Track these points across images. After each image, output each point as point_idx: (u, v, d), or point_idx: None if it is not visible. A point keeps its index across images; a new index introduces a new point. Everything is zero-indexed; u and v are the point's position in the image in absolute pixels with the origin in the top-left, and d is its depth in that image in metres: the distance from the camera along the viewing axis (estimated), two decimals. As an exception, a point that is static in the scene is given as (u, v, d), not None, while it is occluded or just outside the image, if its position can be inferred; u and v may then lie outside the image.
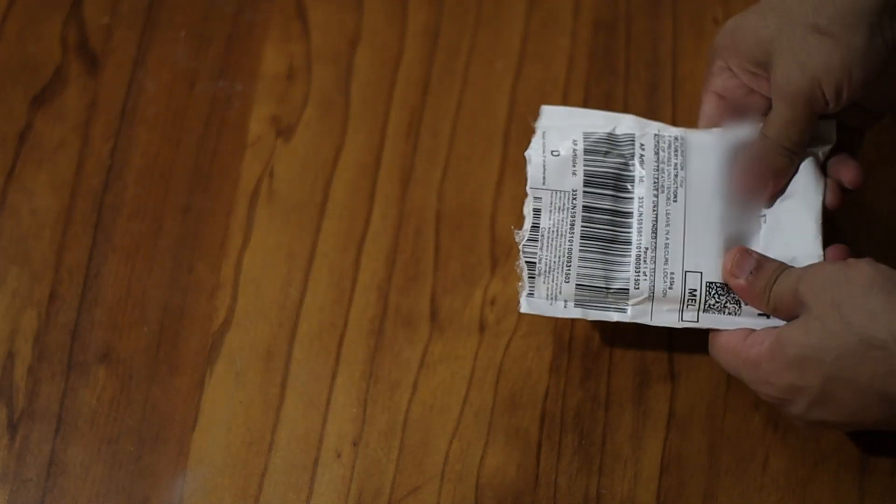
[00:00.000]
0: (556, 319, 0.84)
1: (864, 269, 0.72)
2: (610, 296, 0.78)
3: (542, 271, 0.78)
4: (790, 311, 0.75)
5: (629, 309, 0.78)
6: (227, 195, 0.88)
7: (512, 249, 0.86)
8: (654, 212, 0.78)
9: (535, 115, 0.81)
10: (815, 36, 0.71)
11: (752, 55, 0.75)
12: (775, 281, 0.75)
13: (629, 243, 0.78)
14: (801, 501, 0.81)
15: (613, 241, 0.78)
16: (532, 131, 0.80)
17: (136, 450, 0.82)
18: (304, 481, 0.82)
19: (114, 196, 0.88)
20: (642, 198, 0.79)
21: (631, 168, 0.79)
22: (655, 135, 0.80)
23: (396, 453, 0.82)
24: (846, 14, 0.71)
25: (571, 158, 0.79)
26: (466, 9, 0.92)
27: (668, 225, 0.78)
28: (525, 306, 0.78)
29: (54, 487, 0.82)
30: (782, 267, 0.76)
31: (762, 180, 0.78)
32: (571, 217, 0.78)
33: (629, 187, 0.79)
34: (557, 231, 0.78)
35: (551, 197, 0.79)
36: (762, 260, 0.76)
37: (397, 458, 0.82)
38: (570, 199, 0.78)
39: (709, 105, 0.80)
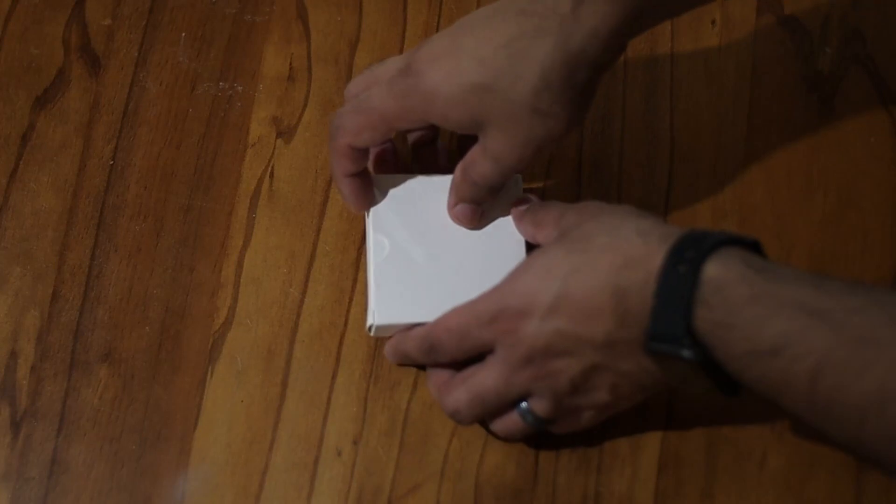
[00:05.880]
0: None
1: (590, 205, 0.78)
2: None
3: None
4: None
5: None
6: (228, 195, 0.88)
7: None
8: None
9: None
10: (537, 117, 0.77)
11: (462, 125, 0.79)
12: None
13: None
14: (798, 500, 0.81)
15: None
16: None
17: (137, 448, 0.83)
18: (305, 479, 0.82)
19: (115, 196, 0.88)
20: None
21: None
22: None
23: (396, 452, 0.82)
24: (565, 96, 0.76)
25: None
26: (465, 10, 0.92)
27: None
28: None
29: (57, 486, 0.82)
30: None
31: (473, 215, 0.83)
32: None
33: None
34: None
35: None
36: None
37: (397, 456, 0.82)
38: None
39: (383, 134, 0.81)
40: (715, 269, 0.70)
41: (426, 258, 0.82)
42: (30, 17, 0.92)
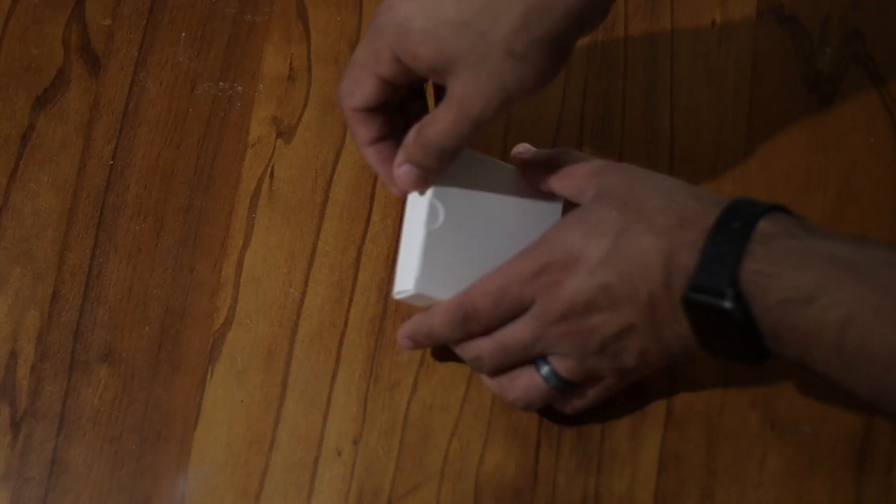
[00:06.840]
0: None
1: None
2: None
3: None
4: None
5: None
6: (228, 195, 0.88)
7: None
8: None
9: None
10: (510, 60, 0.75)
11: (431, 64, 0.76)
12: None
13: None
14: (798, 500, 0.81)
15: None
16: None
17: (137, 448, 0.83)
18: (305, 480, 0.82)
19: (115, 196, 0.88)
20: None
21: None
22: None
23: (396, 452, 0.83)
24: (542, 41, 0.75)
25: None
26: (466, 10, 0.92)
27: None
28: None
29: (57, 486, 0.82)
30: None
31: (418, 179, 0.80)
32: None
33: None
34: None
35: None
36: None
37: (397, 456, 0.82)
38: None
39: (371, 87, 0.79)
40: (766, 225, 0.72)
41: (475, 240, 0.81)
42: (30, 17, 0.92)
